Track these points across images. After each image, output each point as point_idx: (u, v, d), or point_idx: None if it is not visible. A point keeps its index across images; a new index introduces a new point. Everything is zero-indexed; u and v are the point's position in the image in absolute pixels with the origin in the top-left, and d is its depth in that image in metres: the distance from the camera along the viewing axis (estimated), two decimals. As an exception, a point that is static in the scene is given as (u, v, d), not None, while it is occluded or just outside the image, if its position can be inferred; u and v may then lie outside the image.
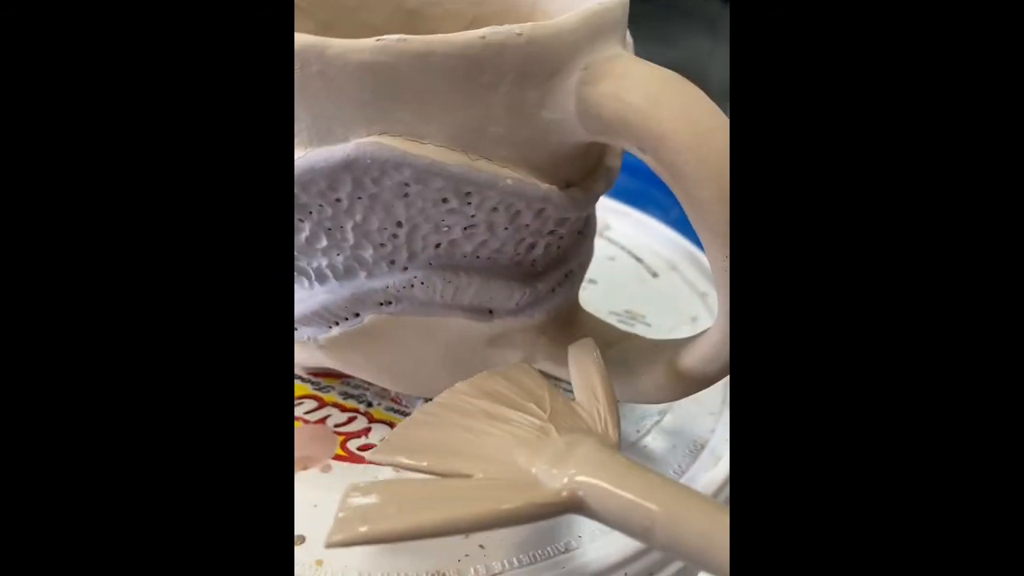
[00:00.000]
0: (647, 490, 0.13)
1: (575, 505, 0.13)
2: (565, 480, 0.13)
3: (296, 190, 0.14)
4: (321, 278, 0.16)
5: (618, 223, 0.28)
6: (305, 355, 0.20)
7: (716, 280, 0.15)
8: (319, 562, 0.16)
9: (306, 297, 0.17)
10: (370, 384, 0.21)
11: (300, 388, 0.21)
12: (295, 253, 0.16)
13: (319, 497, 0.18)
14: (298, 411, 0.20)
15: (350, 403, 0.20)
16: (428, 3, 0.21)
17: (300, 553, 0.16)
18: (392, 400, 0.21)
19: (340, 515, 0.14)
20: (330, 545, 0.14)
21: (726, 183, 0.14)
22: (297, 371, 0.21)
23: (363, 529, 0.14)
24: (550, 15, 0.14)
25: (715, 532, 0.12)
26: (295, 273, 0.17)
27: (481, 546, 0.16)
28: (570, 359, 0.17)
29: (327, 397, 0.21)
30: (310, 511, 0.17)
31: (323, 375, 0.21)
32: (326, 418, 0.20)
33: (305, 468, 0.18)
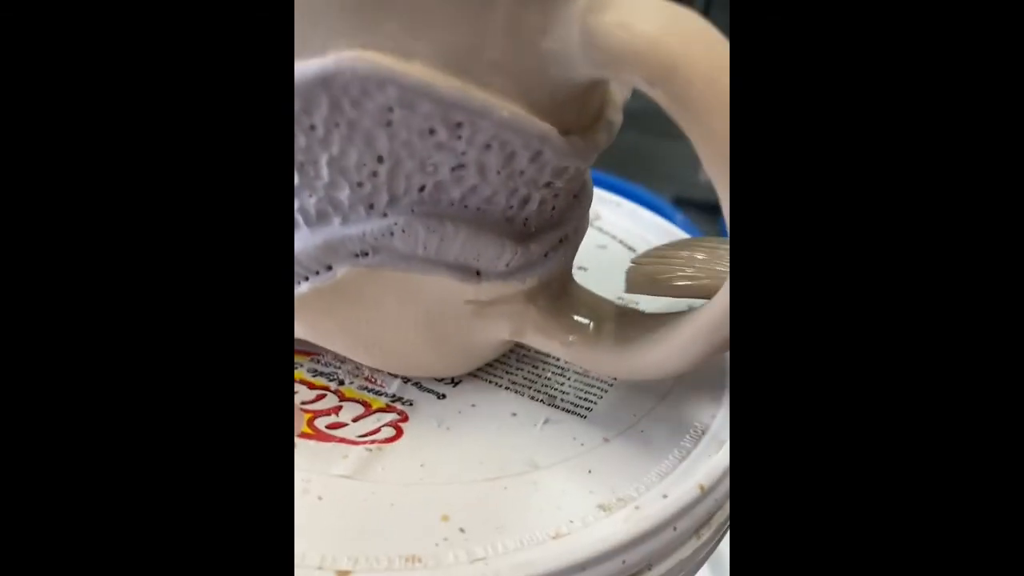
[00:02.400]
0: None
1: None
2: None
3: (267, 114, 0.13)
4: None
5: (609, 213, 0.27)
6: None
7: (729, 224, 0.13)
8: (278, 544, 0.14)
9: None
10: (342, 362, 0.19)
11: (265, 364, 0.19)
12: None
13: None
14: (262, 387, 0.18)
15: (319, 380, 0.19)
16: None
17: (256, 534, 0.14)
18: (366, 379, 0.19)
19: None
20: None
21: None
22: (263, 347, 0.19)
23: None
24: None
25: None
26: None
27: (462, 529, 0.15)
28: None
29: (297, 374, 0.19)
30: (270, 490, 0.15)
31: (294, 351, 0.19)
32: (294, 395, 0.18)
33: (267, 445, 0.17)
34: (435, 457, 0.17)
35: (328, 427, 0.17)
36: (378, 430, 0.17)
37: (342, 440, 0.17)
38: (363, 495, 0.15)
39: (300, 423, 0.17)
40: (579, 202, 0.17)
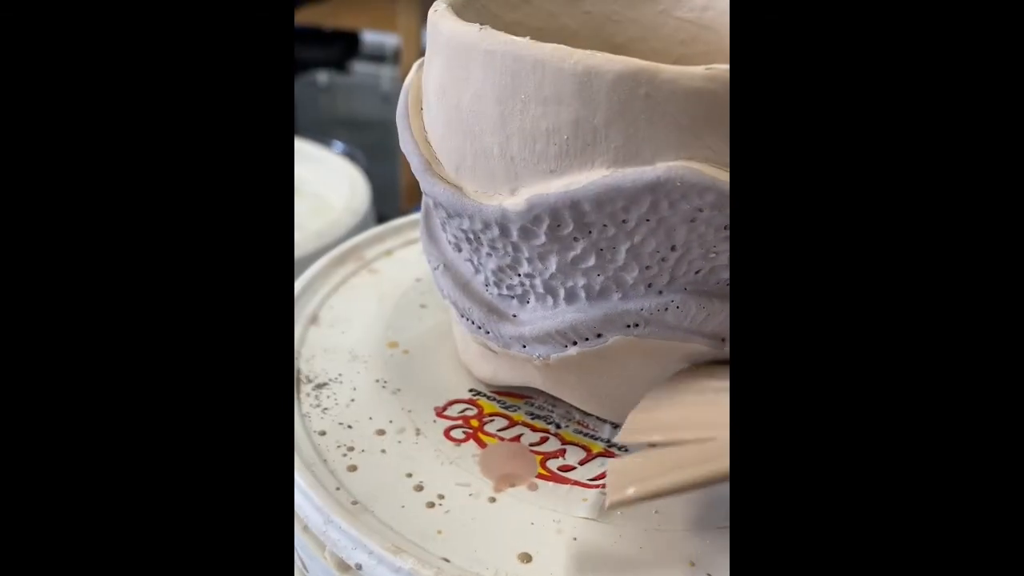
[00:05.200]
0: None
1: None
2: None
3: (587, 208, 0.15)
4: (571, 298, 0.17)
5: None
6: (510, 373, 0.20)
7: None
8: (551, 580, 0.16)
9: (549, 316, 0.17)
10: (554, 406, 0.21)
11: (488, 406, 0.21)
12: (552, 273, 0.16)
13: (535, 515, 0.17)
14: (491, 428, 0.20)
15: (539, 423, 0.21)
16: (636, 39, 0.21)
17: (531, 572, 0.16)
18: (579, 423, 0.21)
19: (608, 482, 0.16)
20: (610, 507, 0.15)
21: None
22: (481, 387, 0.21)
23: (631, 491, 0.15)
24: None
25: None
26: (543, 292, 0.17)
27: (709, 575, 0.16)
28: None
29: (516, 416, 0.21)
30: (528, 529, 0.17)
31: (507, 394, 0.21)
32: (519, 436, 0.20)
33: (513, 485, 0.18)
34: (667, 502, 0.18)
35: (560, 469, 0.19)
36: (605, 474, 0.19)
37: (576, 483, 0.19)
38: (612, 538, 0.17)
39: (534, 465, 0.19)
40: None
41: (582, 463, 0.19)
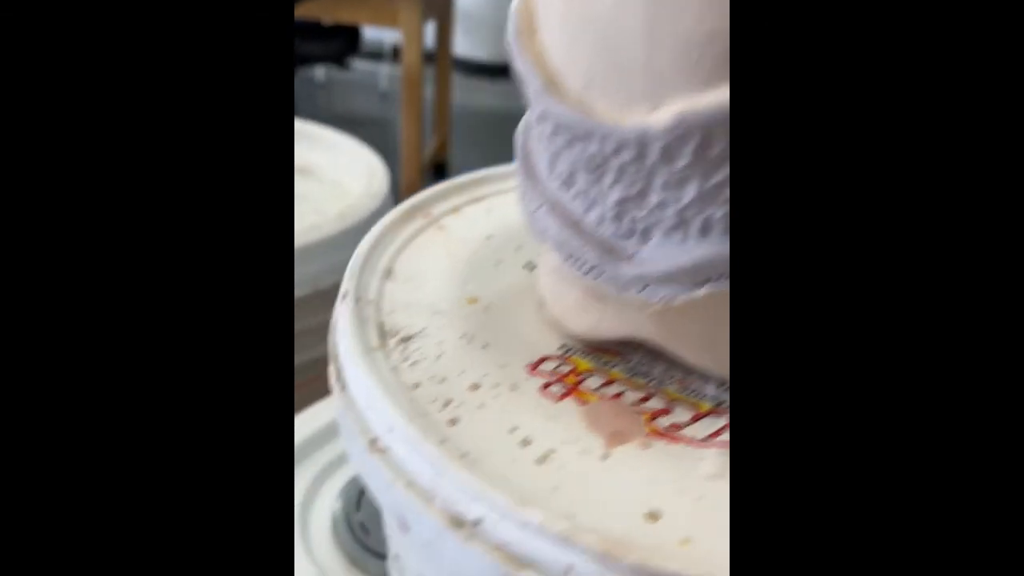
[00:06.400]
0: None
1: None
2: None
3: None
4: (706, 230, 0.15)
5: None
6: (615, 322, 0.18)
7: None
8: (685, 541, 0.15)
9: (677, 252, 0.16)
10: (654, 363, 0.19)
11: (583, 363, 0.19)
12: (688, 202, 0.15)
13: (652, 473, 0.16)
14: (589, 384, 0.19)
15: (639, 380, 0.19)
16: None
17: (661, 530, 0.15)
18: (680, 382, 0.19)
19: None
20: None
21: None
22: (572, 344, 0.20)
23: None
24: None
25: None
26: (673, 225, 0.16)
27: (853, 534, 0.15)
28: None
29: (614, 373, 0.19)
30: (649, 487, 0.16)
31: (601, 350, 0.20)
32: (620, 394, 0.19)
33: (623, 443, 0.17)
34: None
35: (669, 427, 0.18)
36: (718, 432, 0.18)
37: (690, 441, 0.17)
38: (740, 496, 0.16)
39: (641, 423, 0.18)
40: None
41: (693, 420, 0.18)
